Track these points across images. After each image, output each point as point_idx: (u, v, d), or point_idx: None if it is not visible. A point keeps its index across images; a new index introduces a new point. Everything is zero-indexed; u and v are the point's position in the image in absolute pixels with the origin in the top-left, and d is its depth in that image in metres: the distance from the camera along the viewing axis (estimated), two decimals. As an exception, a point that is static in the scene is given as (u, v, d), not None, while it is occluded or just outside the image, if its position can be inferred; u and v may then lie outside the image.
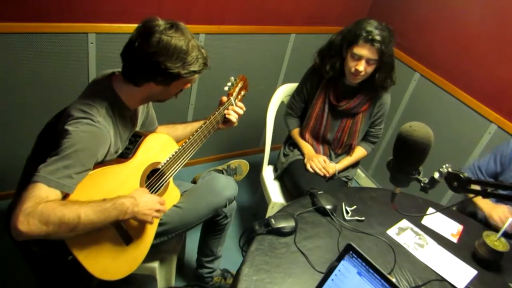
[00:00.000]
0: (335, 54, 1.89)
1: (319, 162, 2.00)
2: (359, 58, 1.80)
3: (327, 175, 1.99)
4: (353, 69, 1.83)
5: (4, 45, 1.88)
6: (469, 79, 2.34)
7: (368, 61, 1.80)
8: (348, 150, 2.13)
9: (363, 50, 1.78)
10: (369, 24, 1.78)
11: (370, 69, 1.83)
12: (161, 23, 1.28)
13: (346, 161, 2.12)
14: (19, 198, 1.10)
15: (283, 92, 2.30)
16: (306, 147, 2.11)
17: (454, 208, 1.91)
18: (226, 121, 1.75)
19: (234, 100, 1.79)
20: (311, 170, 1.99)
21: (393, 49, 1.86)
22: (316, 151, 2.11)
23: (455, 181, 1.11)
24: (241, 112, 1.76)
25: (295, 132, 2.19)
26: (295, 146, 2.19)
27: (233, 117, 1.73)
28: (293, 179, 2.07)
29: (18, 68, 1.96)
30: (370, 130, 2.12)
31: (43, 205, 1.09)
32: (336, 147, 2.12)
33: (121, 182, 1.36)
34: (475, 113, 2.30)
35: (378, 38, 1.74)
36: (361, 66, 1.80)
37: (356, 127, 2.03)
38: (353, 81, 1.90)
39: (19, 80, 1.99)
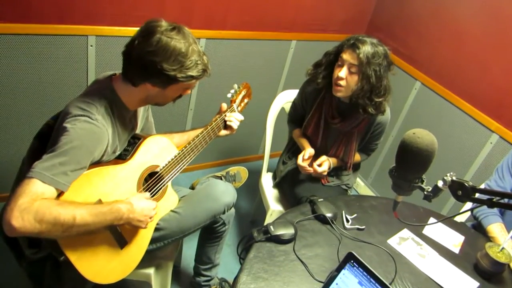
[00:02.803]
0: (328, 65, 1.86)
1: (302, 166, 1.90)
2: (342, 64, 1.76)
3: (310, 171, 1.90)
4: (335, 76, 1.79)
5: (3, 46, 1.86)
6: (471, 88, 2.33)
7: (350, 68, 1.74)
8: (344, 165, 2.07)
9: (345, 55, 1.74)
10: (362, 36, 1.75)
11: (352, 79, 1.75)
12: (164, 24, 1.28)
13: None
14: (14, 194, 1.08)
15: (283, 98, 2.29)
16: (305, 146, 2.04)
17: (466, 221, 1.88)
18: (225, 127, 1.74)
19: (237, 108, 1.78)
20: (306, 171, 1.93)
21: (383, 73, 1.76)
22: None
23: (460, 189, 1.08)
24: (241, 118, 1.75)
25: (296, 132, 2.14)
26: (294, 154, 2.17)
27: (234, 123, 1.71)
28: (292, 187, 2.04)
29: (16, 69, 1.94)
30: (365, 144, 2.07)
31: (39, 202, 1.08)
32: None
33: (117, 184, 1.34)
34: (477, 122, 2.29)
35: (361, 46, 1.70)
36: (342, 72, 1.75)
37: (352, 146, 1.98)
38: (335, 94, 1.83)
39: (17, 82, 1.98)
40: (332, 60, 1.84)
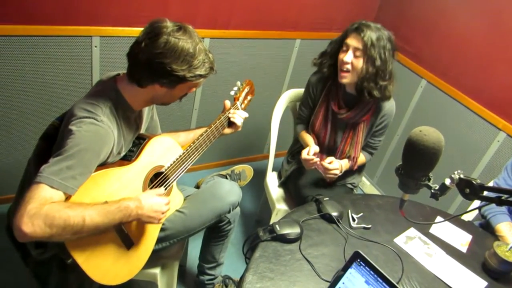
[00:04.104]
0: (333, 53, 1.87)
1: (307, 159, 1.86)
2: (347, 48, 1.77)
3: (316, 162, 1.86)
4: (340, 60, 1.79)
5: (7, 48, 1.87)
6: (477, 86, 2.31)
7: (354, 52, 1.75)
8: (350, 162, 2.04)
9: (350, 39, 1.76)
10: (365, 21, 1.77)
11: (357, 63, 1.76)
12: (169, 24, 1.28)
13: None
14: (23, 199, 1.08)
15: (288, 97, 2.28)
16: (310, 143, 2.01)
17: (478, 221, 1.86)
18: (230, 125, 1.73)
19: (240, 105, 1.78)
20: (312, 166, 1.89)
21: (388, 57, 1.76)
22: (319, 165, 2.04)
23: (467, 187, 1.07)
24: (245, 115, 1.74)
25: (302, 133, 2.12)
26: (299, 153, 2.15)
27: (238, 120, 1.71)
28: (297, 186, 2.03)
29: (21, 70, 1.95)
30: (368, 141, 2.05)
31: (48, 206, 1.08)
32: (339, 159, 2.06)
33: (123, 185, 1.34)
34: (483, 120, 2.27)
35: (365, 29, 1.71)
36: (347, 56, 1.76)
37: (358, 138, 1.97)
38: (341, 80, 1.83)
39: (22, 83, 1.98)
40: (337, 48, 1.85)
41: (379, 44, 1.72)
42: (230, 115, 1.70)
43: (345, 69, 1.79)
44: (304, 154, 1.86)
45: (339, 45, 1.83)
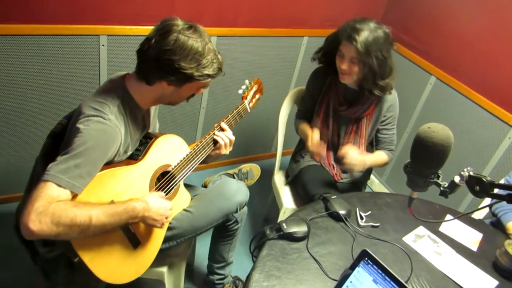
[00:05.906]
0: (329, 52, 1.87)
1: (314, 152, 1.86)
2: (343, 56, 1.76)
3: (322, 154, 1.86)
4: (338, 67, 1.80)
5: (15, 47, 1.88)
6: (488, 83, 2.27)
7: (350, 60, 1.73)
8: None
9: (344, 48, 1.73)
10: (359, 22, 1.71)
11: (356, 68, 1.74)
12: (180, 23, 1.29)
13: (372, 157, 1.95)
14: (30, 197, 1.09)
15: (295, 95, 2.27)
16: (309, 131, 1.98)
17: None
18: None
19: (248, 104, 1.78)
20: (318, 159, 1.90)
21: (386, 55, 1.72)
22: (325, 160, 2.04)
23: (477, 185, 1.06)
24: (228, 140, 1.65)
25: (302, 125, 2.08)
26: (306, 152, 2.14)
27: (221, 140, 1.62)
28: (304, 184, 2.02)
29: (29, 70, 1.96)
30: (382, 137, 2.01)
31: (55, 204, 1.09)
32: None
33: (130, 184, 1.34)
34: (494, 117, 2.23)
35: (357, 37, 1.66)
36: (344, 65, 1.75)
37: (361, 133, 1.95)
38: (342, 80, 1.83)
39: (30, 82, 2.00)
40: (332, 48, 1.83)
41: (374, 48, 1.67)
42: (214, 136, 1.63)
43: (343, 72, 1.78)
44: (309, 144, 1.86)
45: (334, 45, 1.80)
